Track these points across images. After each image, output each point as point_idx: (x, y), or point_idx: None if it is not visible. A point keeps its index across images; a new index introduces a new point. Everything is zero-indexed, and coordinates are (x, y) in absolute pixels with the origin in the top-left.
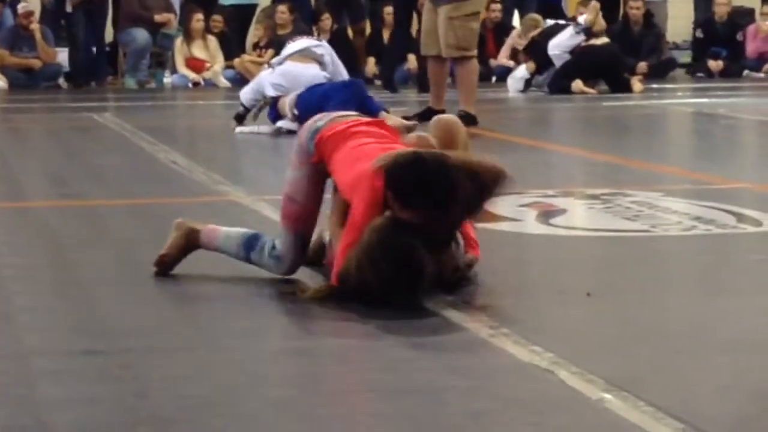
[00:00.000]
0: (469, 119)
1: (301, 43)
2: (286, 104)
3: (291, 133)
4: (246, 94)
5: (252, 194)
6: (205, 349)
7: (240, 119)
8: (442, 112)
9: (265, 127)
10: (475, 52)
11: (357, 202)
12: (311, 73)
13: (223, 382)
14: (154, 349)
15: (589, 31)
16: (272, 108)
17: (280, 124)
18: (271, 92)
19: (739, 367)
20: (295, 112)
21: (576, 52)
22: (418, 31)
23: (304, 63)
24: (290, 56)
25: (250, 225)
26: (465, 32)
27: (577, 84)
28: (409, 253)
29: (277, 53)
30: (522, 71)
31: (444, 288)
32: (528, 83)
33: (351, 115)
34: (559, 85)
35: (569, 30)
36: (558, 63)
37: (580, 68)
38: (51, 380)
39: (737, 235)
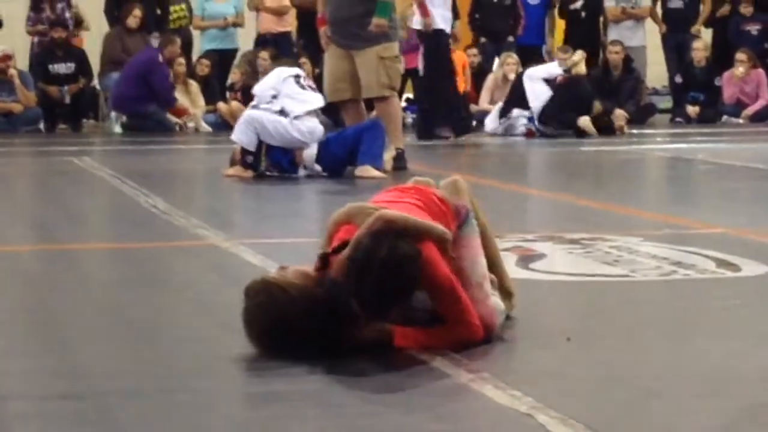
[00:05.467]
0: (402, 157)
1: (318, 99)
2: (305, 158)
3: (310, 177)
4: (245, 136)
5: (232, 239)
6: (183, 392)
7: (249, 165)
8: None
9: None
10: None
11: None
12: (322, 131)
13: (201, 425)
14: (131, 392)
15: (568, 72)
16: (285, 159)
17: (301, 173)
18: (275, 141)
19: (716, 409)
20: (317, 167)
21: (557, 86)
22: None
23: (316, 119)
24: (310, 111)
25: (230, 269)
26: (395, 72)
27: (585, 121)
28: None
29: (251, 97)
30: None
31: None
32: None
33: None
34: (550, 120)
35: (555, 63)
36: (529, 89)
37: (565, 101)
38: (28, 424)
39: (716, 280)
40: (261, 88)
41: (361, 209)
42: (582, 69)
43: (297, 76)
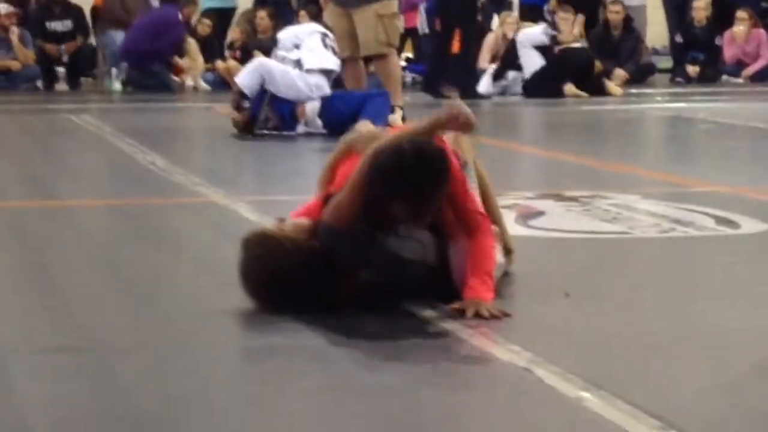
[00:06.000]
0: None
1: (335, 62)
2: (307, 112)
3: (310, 135)
4: (247, 80)
5: (231, 196)
6: (181, 346)
7: (240, 109)
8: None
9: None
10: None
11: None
12: (328, 90)
13: (199, 378)
14: (129, 347)
15: (555, 39)
16: (286, 109)
17: (300, 130)
18: (280, 90)
19: (714, 366)
20: (319, 121)
21: (552, 57)
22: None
23: (326, 78)
24: (322, 70)
25: (229, 226)
26: (393, 30)
27: (570, 88)
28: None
29: (250, 56)
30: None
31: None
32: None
33: None
34: (536, 88)
35: (542, 27)
36: (522, 55)
37: (556, 72)
38: (28, 378)
39: (715, 238)
40: (286, 34)
41: (361, 136)
42: (569, 35)
43: (325, 35)
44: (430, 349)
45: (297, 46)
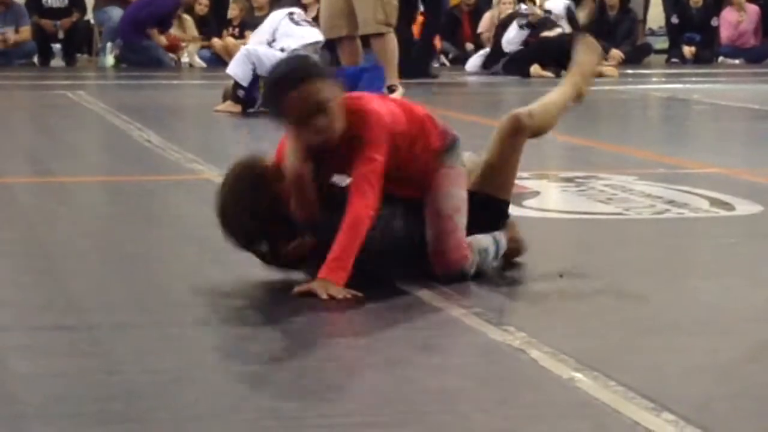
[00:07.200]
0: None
1: (315, 34)
2: None
3: None
4: (240, 69)
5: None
6: (175, 325)
7: (239, 100)
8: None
9: None
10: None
11: None
12: None
13: (194, 357)
14: (123, 325)
15: (531, 25)
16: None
17: None
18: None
19: (708, 347)
20: None
21: (529, 44)
22: None
23: (314, 54)
24: (307, 46)
25: None
26: (391, 8)
27: (535, 68)
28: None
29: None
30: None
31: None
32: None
33: None
34: (513, 68)
35: (514, 25)
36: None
37: (533, 55)
38: (20, 355)
39: (709, 219)
40: (258, 37)
41: None
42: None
43: (291, 14)
44: (422, 328)
45: (274, 40)
